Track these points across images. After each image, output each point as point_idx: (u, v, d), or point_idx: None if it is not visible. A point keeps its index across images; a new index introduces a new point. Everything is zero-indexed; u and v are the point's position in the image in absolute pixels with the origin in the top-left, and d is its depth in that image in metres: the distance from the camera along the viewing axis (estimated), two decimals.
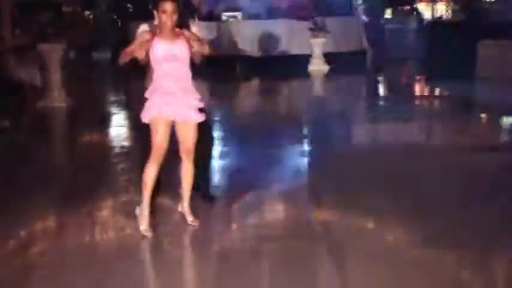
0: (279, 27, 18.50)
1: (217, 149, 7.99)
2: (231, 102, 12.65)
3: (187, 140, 4.90)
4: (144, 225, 4.87)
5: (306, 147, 8.46)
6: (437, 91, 14.41)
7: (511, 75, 14.13)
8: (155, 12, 4.81)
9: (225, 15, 19.17)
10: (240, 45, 18.10)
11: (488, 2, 22.26)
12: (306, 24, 17.24)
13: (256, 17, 19.38)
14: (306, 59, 17.05)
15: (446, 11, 24.47)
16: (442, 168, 6.81)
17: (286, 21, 18.68)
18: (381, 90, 15.30)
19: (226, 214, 5.42)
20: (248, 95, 14.38)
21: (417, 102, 13.25)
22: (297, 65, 16.83)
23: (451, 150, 7.83)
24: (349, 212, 5.33)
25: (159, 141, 4.76)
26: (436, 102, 13.28)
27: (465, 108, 11.65)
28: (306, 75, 16.41)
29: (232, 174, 6.78)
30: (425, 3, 25.56)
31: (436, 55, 18.83)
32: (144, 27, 5.10)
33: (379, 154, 7.65)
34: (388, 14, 25.82)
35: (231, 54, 17.80)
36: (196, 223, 5.03)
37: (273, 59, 17.60)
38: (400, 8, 25.38)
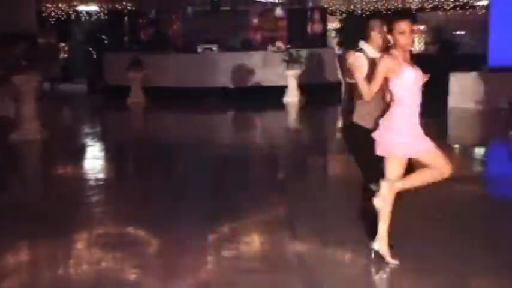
0: (254, 59, 18.67)
1: (190, 179, 8.00)
2: (207, 134, 12.63)
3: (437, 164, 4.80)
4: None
5: (281, 177, 8.48)
6: None
7: (482, 106, 14.40)
8: (389, 35, 4.61)
9: (200, 47, 19.29)
10: (216, 77, 18.21)
11: (458, 35, 22.72)
12: (281, 56, 17.43)
13: (232, 49, 19.54)
14: (281, 90, 17.19)
15: (419, 43, 24.88)
16: (415, 197, 6.86)
17: (261, 53, 18.87)
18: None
19: (202, 246, 5.38)
20: (224, 126, 14.39)
21: None
22: (272, 96, 16.97)
23: None
24: (326, 243, 5.34)
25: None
26: None
27: (438, 139, 11.77)
28: (281, 106, 16.52)
29: (206, 204, 6.75)
30: None
31: None
32: (359, 55, 5.00)
33: (354, 185, 7.68)
34: (362, 45, 26.10)
35: (207, 85, 17.90)
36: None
37: (249, 90, 17.72)
38: None
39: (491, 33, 14.46)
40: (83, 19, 25.49)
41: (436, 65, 18.61)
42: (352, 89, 5.03)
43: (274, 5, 21.26)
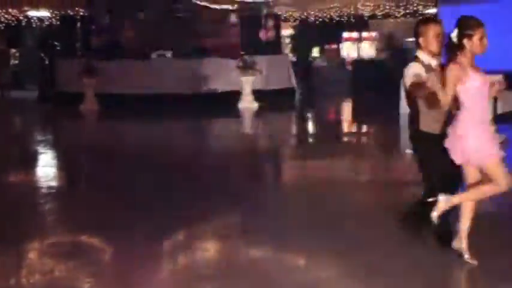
0: (209, 65, 18.66)
1: (148, 188, 7.95)
2: (161, 142, 12.56)
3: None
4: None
5: (236, 184, 8.50)
6: (364, 128, 14.78)
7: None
8: (466, 40, 4.55)
9: (154, 54, 19.19)
10: (170, 84, 18.12)
11: (409, 42, 23.12)
12: (236, 63, 17.48)
13: (186, 55, 19.49)
14: (236, 96, 17.23)
15: (371, 50, 25.27)
16: (371, 204, 6.97)
17: (216, 60, 18.88)
18: (310, 127, 15.56)
19: (156, 253, 5.36)
20: (178, 133, 14.32)
21: (345, 139, 13.54)
22: (227, 102, 16.99)
23: (378, 186, 8.02)
24: (280, 249, 5.37)
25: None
26: (363, 139, 13.61)
27: (390, 144, 11.99)
28: (236, 112, 16.55)
29: (160, 212, 6.72)
30: (350, 42, 26.31)
31: (362, 93, 19.40)
32: (417, 67, 4.88)
33: (309, 191, 7.76)
34: (315, 52, 26.44)
35: (160, 92, 17.80)
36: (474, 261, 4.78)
37: (203, 97, 17.70)
38: (327, 46, 26.03)
39: None
40: (34, 25, 25.10)
41: (388, 71, 19.10)
42: (415, 99, 4.98)
43: (229, 11, 21.30)
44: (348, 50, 26.15)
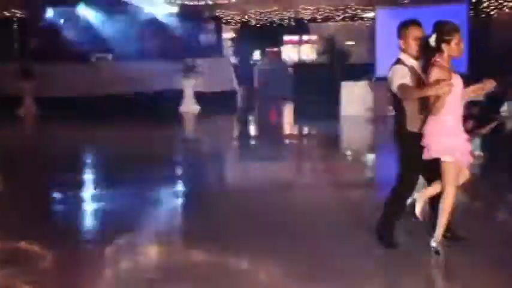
0: (150, 68, 18.53)
1: (88, 192, 7.86)
2: (99, 144, 12.39)
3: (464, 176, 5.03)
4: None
5: (179, 188, 8.47)
6: (305, 130, 14.95)
7: (372, 113, 14.99)
8: (444, 44, 4.73)
9: (94, 57, 18.94)
10: (110, 86, 17.92)
11: (349, 45, 23.50)
12: (177, 65, 17.42)
13: (127, 58, 19.31)
14: (177, 99, 17.18)
15: (312, 53, 25.54)
16: (312, 205, 7.05)
17: (157, 62, 18.77)
18: (252, 129, 15.64)
19: (97, 258, 5.30)
20: (117, 135, 14.14)
21: (287, 141, 13.66)
22: (168, 105, 16.91)
23: (320, 187, 8.12)
24: (222, 252, 5.39)
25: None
26: (305, 141, 13.76)
27: (331, 146, 12.17)
28: (177, 115, 16.49)
29: (106, 217, 6.65)
30: (291, 45, 26.55)
31: (303, 95, 19.60)
32: (404, 70, 4.95)
33: (252, 193, 7.79)
34: (256, 55, 26.56)
35: (101, 95, 17.58)
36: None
37: (144, 100, 17.56)
38: (268, 49, 26.19)
39: (377, 45, 15.09)
40: None
41: (328, 74, 19.37)
42: (400, 101, 5.08)
43: (170, 14, 21.19)
44: (289, 53, 26.40)
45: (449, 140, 4.84)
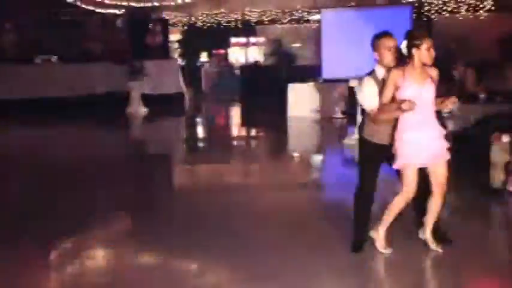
0: (96, 70, 18.33)
1: (32, 194, 7.75)
2: (45, 149, 12.21)
3: (440, 175, 5.04)
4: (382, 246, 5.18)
5: (125, 190, 8.44)
6: (252, 132, 15.03)
7: (318, 115, 15.17)
8: (414, 50, 4.80)
9: (39, 58, 18.61)
10: (54, 88, 17.63)
11: (295, 47, 23.74)
12: (124, 67, 17.28)
13: (72, 60, 19.04)
14: (124, 101, 17.03)
15: (259, 55, 25.67)
16: (259, 206, 7.12)
17: (104, 64, 18.58)
18: (200, 132, 15.63)
19: (45, 263, 5.25)
20: (62, 139, 13.94)
21: (234, 143, 13.71)
22: (116, 107, 16.76)
23: (266, 188, 8.20)
24: (171, 256, 5.40)
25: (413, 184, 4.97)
26: (252, 143, 13.83)
27: (278, 148, 12.28)
28: (125, 117, 16.36)
29: (47, 221, 6.57)
30: (238, 47, 26.64)
31: (250, 97, 19.71)
32: (370, 81, 5.05)
33: (199, 194, 7.82)
34: (203, 57, 26.56)
35: (46, 97, 17.29)
36: (440, 249, 5.17)
37: (91, 102, 17.36)
38: (215, 51, 26.22)
39: (323, 47, 15.28)
40: None
41: (275, 76, 19.52)
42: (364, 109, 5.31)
43: (116, 16, 21.00)
44: (236, 55, 26.49)
45: (411, 136, 4.92)
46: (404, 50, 4.96)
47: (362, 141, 5.35)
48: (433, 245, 5.22)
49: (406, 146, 4.95)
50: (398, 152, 5.00)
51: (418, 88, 4.88)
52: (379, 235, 5.22)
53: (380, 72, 5.14)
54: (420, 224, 5.35)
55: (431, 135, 4.98)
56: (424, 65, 4.92)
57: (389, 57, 5.09)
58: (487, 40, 19.50)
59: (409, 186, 5.00)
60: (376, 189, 5.31)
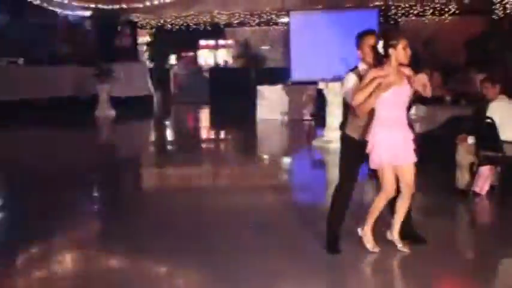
0: (64, 72, 18.19)
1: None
2: (11, 151, 12.07)
3: (409, 177, 5.10)
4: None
5: (94, 193, 8.40)
6: (221, 134, 15.05)
7: (287, 117, 15.27)
8: (391, 50, 4.83)
9: (4, 61, 18.39)
10: (22, 91, 17.44)
11: (264, 49, 23.83)
12: (92, 70, 17.17)
13: (39, 62, 18.87)
14: (92, 104, 16.94)
15: (228, 57, 25.71)
16: (227, 208, 7.15)
17: (72, 67, 18.45)
18: (168, 134, 15.60)
19: (11, 267, 5.21)
20: (29, 142, 13.79)
21: (203, 145, 13.71)
22: (84, 110, 16.65)
23: (235, 190, 8.23)
24: (140, 259, 5.41)
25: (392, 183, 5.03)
26: (221, 145, 13.85)
27: (247, 150, 12.32)
28: (92, 120, 16.25)
29: (14, 225, 6.52)
30: (207, 49, 26.65)
31: (219, 99, 19.74)
32: (353, 77, 5.08)
33: (168, 197, 7.82)
34: (172, 59, 26.50)
35: (12, 99, 17.08)
36: (407, 250, 5.24)
37: (58, 105, 17.22)
38: (183, 54, 26.19)
39: (291, 49, 15.40)
40: None
41: (244, 78, 19.59)
42: (347, 105, 5.32)
43: (84, 18, 20.85)
44: (205, 57, 26.50)
45: (384, 135, 4.99)
46: (381, 50, 5.03)
47: (344, 138, 5.42)
48: (400, 245, 5.30)
49: (379, 145, 5.02)
50: (372, 153, 5.07)
51: (396, 88, 4.94)
52: (366, 235, 5.29)
53: (363, 69, 5.24)
54: (390, 225, 5.43)
55: (402, 136, 5.06)
56: (400, 64, 4.99)
57: (371, 55, 5.18)
58: (453, 43, 19.84)
59: (388, 185, 5.08)
60: (354, 188, 5.38)
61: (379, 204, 5.20)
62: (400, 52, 4.94)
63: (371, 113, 5.08)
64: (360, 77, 5.15)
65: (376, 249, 5.26)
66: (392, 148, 5.02)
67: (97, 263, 5.38)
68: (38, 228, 6.31)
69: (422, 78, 4.94)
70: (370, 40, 5.20)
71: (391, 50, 4.96)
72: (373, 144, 5.05)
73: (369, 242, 5.28)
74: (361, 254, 5.25)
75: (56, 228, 6.33)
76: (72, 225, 6.54)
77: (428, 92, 4.95)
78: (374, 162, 5.10)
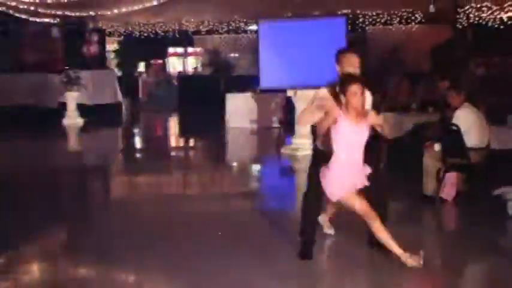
0: (30, 80, 18.00)
1: None
2: None
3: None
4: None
5: (64, 203, 8.32)
6: (190, 142, 15.02)
7: (256, 125, 15.31)
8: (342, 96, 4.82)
9: None
10: None
11: (233, 57, 23.87)
12: (59, 77, 17.02)
13: (3, 70, 18.63)
14: (60, 112, 16.78)
15: (197, 65, 25.69)
16: (197, 216, 7.14)
17: (38, 75, 18.26)
18: (137, 142, 15.51)
19: None
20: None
21: (172, 153, 13.67)
22: (51, 118, 16.48)
23: (204, 198, 8.24)
24: (110, 266, 5.38)
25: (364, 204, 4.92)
26: (190, 153, 13.82)
27: (216, 158, 12.32)
28: (61, 128, 16.09)
29: None
30: (176, 57, 26.59)
31: (188, 107, 19.71)
32: (323, 92, 5.06)
33: (137, 206, 7.78)
34: (141, 67, 26.37)
35: None
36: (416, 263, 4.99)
37: (24, 113, 17.02)
38: (152, 61, 26.09)
39: (260, 57, 15.42)
40: None
41: (213, 86, 19.60)
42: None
43: (51, 25, 20.65)
44: (174, 65, 26.44)
45: (338, 172, 4.97)
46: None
47: (314, 148, 5.52)
48: (408, 259, 5.02)
49: (332, 182, 4.99)
50: (328, 190, 5.04)
51: (354, 128, 4.91)
52: (402, 257, 5.01)
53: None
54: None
55: (356, 173, 5.03)
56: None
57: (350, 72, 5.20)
58: (419, 51, 20.14)
59: (362, 207, 4.97)
60: (322, 197, 5.36)
61: (379, 233, 5.01)
62: (350, 98, 4.84)
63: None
64: (334, 95, 5.12)
65: (416, 263, 4.99)
66: (351, 179, 5.00)
67: (65, 273, 5.33)
68: (2, 237, 6.23)
69: (377, 119, 5.00)
70: (350, 59, 5.25)
71: (341, 96, 4.92)
72: (326, 182, 5.02)
73: (408, 259, 5.00)
74: (332, 259, 5.30)
75: (21, 237, 6.25)
76: (38, 234, 6.47)
77: (386, 132, 5.07)
78: (334, 195, 5.05)
